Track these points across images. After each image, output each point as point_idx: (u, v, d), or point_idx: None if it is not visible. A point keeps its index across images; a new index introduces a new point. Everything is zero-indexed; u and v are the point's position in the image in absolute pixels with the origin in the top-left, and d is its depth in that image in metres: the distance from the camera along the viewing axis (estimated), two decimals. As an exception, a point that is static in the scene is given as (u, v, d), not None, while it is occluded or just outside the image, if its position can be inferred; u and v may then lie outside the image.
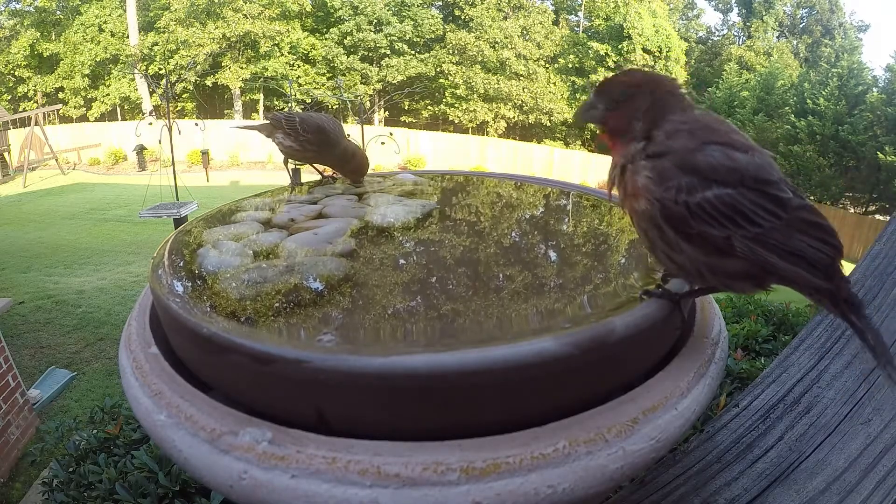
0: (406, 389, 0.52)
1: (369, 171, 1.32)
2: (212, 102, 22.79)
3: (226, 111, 22.69)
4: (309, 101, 20.68)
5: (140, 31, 19.91)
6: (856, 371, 1.00)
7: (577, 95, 21.63)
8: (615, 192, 0.67)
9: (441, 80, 21.62)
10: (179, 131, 8.14)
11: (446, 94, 21.76)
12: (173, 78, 17.29)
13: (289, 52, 21.01)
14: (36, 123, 15.50)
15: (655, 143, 0.62)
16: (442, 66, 21.44)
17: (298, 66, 21.19)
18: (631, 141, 0.64)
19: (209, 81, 20.45)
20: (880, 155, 16.07)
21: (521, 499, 0.48)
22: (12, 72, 20.42)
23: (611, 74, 0.68)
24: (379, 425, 0.53)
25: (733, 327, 2.09)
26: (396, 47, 21.22)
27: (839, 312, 0.59)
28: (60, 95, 20.98)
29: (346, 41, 21.13)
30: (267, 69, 20.32)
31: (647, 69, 0.69)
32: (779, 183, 0.59)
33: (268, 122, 1.31)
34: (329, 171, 1.37)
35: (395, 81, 21.15)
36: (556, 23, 23.48)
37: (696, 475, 0.96)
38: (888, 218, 1.50)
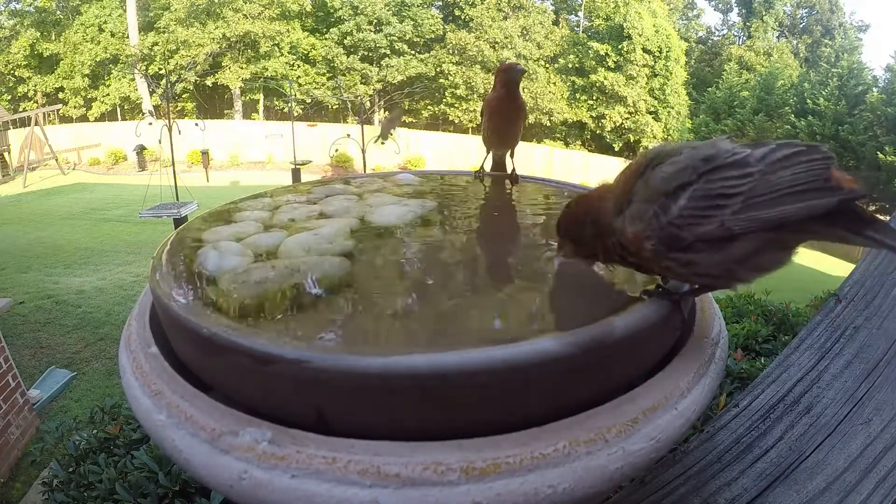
0: (406, 389, 0.52)
1: (369, 171, 1.31)
2: (212, 102, 22.79)
3: (226, 111, 22.68)
4: (309, 101, 20.68)
5: (140, 31, 19.91)
6: (856, 371, 1.00)
7: (577, 95, 21.64)
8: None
9: (441, 80, 21.62)
10: (179, 131, 8.16)
11: (446, 94, 21.76)
12: (173, 78, 17.27)
13: (289, 52, 21.01)
14: (36, 123, 15.50)
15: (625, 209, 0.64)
16: (442, 66, 21.44)
17: (298, 66, 21.19)
18: (603, 252, 0.67)
19: (209, 81, 20.45)
20: (880, 155, 16.06)
21: (521, 499, 0.48)
22: (12, 72, 20.42)
23: (561, 213, 0.72)
24: (379, 425, 0.53)
25: (733, 327, 2.09)
26: (396, 47, 21.23)
27: (861, 232, 0.54)
28: (60, 95, 20.98)
29: (346, 41, 21.13)
30: (267, 69, 20.32)
31: (581, 194, 0.73)
32: (730, 150, 0.58)
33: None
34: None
35: (395, 81, 21.15)
36: (556, 23, 23.48)
37: (696, 475, 0.96)
38: (888, 218, 1.50)
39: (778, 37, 26.42)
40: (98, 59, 20.21)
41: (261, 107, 22.70)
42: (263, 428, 0.53)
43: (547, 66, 22.21)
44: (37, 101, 20.80)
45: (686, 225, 0.58)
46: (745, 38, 26.66)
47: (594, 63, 20.82)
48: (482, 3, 21.51)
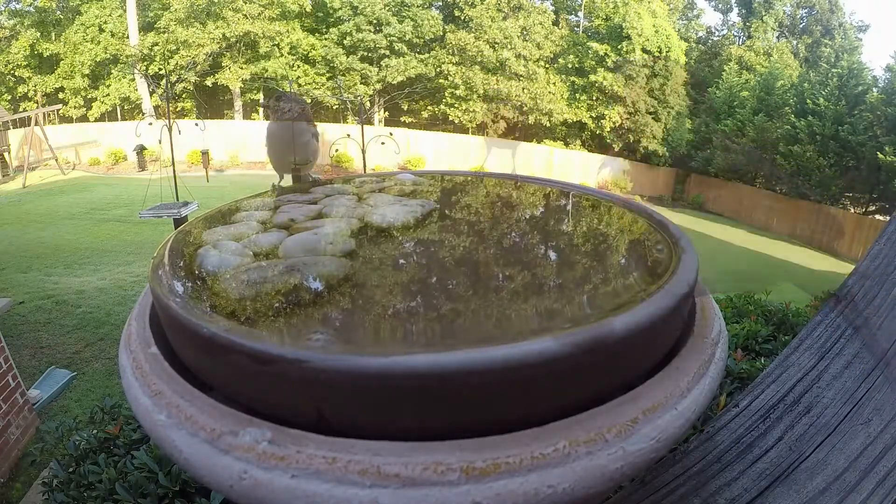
0: (406, 389, 0.52)
1: (369, 171, 1.32)
2: (212, 102, 22.77)
3: (226, 111, 22.68)
4: (309, 101, 20.62)
5: (140, 31, 19.89)
6: (856, 371, 1.00)
7: (577, 95, 21.63)
8: None
9: (441, 81, 21.60)
10: (179, 131, 8.14)
11: (446, 94, 21.74)
12: (173, 78, 17.27)
13: (289, 53, 20.99)
14: (36, 123, 15.50)
15: None
16: (442, 66, 21.41)
17: (298, 67, 21.17)
18: None
19: (209, 81, 20.42)
20: (880, 155, 16.04)
21: (521, 499, 0.48)
22: (12, 72, 20.39)
23: None
24: (379, 425, 0.53)
25: (733, 327, 2.09)
26: (396, 48, 21.20)
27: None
28: (60, 95, 20.95)
29: (345, 41, 21.10)
30: (267, 69, 20.30)
31: None
32: None
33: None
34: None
35: (394, 82, 21.13)
36: (555, 23, 23.45)
37: (696, 475, 0.96)
38: (888, 218, 1.50)
39: (778, 37, 26.40)
40: (98, 59, 20.18)
41: (261, 107, 22.67)
42: (263, 428, 0.53)
43: (547, 66, 22.18)
44: (37, 101, 20.78)
45: None
46: (744, 38, 26.64)
47: (594, 63, 20.80)
48: (482, 4, 21.48)
